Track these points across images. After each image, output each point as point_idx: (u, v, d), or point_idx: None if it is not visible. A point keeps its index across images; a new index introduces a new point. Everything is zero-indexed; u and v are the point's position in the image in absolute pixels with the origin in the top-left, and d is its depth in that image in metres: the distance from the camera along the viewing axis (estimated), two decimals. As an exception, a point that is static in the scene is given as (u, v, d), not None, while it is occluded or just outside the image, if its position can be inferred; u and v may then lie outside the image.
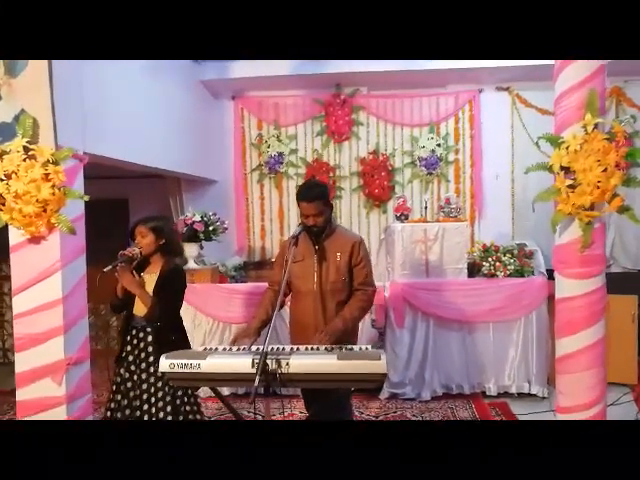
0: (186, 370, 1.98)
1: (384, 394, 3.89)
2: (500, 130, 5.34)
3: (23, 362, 2.70)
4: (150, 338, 2.58)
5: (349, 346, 2.18)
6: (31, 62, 2.58)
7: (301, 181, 5.56)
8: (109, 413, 2.60)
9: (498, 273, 3.90)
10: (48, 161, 2.55)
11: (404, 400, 3.85)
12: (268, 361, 1.89)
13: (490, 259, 3.93)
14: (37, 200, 2.53)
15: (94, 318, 4.82)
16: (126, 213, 5.87)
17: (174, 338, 2.61)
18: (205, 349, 2.27)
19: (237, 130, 5.63)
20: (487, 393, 3.90)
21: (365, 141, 5.53)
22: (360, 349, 2.15)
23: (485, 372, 3.92)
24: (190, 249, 4.19)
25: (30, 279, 2.64)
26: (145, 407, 2.53)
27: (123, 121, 3.58)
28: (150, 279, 2.61)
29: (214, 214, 4.28)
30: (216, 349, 2.25)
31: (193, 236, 4.10)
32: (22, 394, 2.71)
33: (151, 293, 2.56)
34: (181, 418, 2.56)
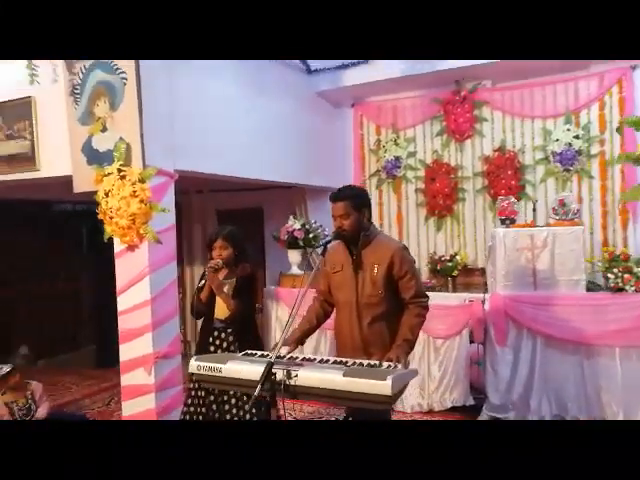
0: (209, 373, 2.11)
1: (483, 417, 3.51)
2: (661, 113, 4.38)
3: (125, 353, 3.17)
4: (231, 338, 2.83)
5: (372, 362, 2.06)
6: (126, 96, 3.02)
7: (420, 184, 5.36)
8: (191, 408, 2.81)
9: (627, 287, 3.20)
10: (137, 180, 2.96)
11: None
12: (279, 371, 1.90)
13: (616, 270, 3.25)
14: (128, 214, 2.95)
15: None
16: (261, 220, 6.38)
17: (251, 336, 2.85)
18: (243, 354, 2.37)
19: (356, 137, 5.67)
20: (613, 431, 3.22)
21: (490, 138, 5.07)
22: (389, 367, 2.01)
23: (610, 406, 3.24)
24: (292, 256, 4.37)
25: (127, 282, 3.10)
26: (233, 401, 2.76)
27: (229, 139, 3.82)
28: (228, 285, 2.84)
29: (315, 222, 4.38)
30: (253, 354, 2.34)
31: (294, 243, 4.26)
32: (125, 380, 3.19)
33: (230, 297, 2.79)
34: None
